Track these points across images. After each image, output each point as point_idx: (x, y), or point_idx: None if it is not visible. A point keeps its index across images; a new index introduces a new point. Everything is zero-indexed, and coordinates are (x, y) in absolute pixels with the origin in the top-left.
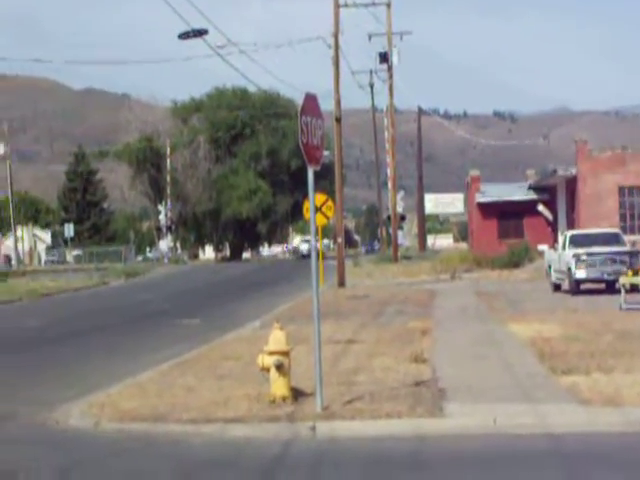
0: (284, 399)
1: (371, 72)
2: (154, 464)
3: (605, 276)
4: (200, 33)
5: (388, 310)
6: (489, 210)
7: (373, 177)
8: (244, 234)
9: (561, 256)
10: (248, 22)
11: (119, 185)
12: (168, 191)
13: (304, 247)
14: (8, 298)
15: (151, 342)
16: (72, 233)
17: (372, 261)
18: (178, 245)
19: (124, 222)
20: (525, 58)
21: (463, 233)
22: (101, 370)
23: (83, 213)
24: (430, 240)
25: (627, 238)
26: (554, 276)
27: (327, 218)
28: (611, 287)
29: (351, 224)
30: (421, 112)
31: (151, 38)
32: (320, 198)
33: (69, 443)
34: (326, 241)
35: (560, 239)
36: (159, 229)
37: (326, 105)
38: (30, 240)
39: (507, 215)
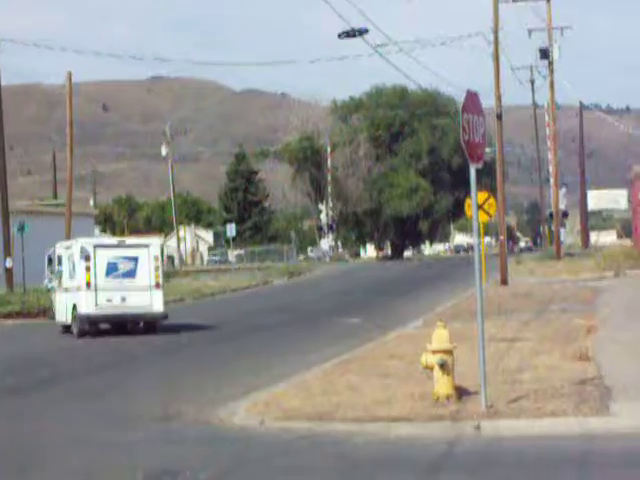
0: (448, 398)
1: (531, 68)
2: (319, 462)
3: None
4: (360, 32)
5: (551, 307)
6: None
7: (535, 174)
8: (405, 233)
9: None
10: (407, 20)
11: (280, 184)
12: (329, 190)
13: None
14: (171, 298)
15: (314, 341)
16: (234, 233)
17: (534, 259)
18: (339, 244)
19: (285, 221)
20: None
21: (627, 229)
22: (264, 369)
23: (244, 213)
24: (593, 237)
25: None
26: None
27: (489, 216)
28: None
29: (513, 221)
30: (582, 107)
31: (310, 38)
32: (482, 196)
33: (235, 441)
34: (487, 239)
35: None
36: (320, 228)
37: (486, 102)
38: (192, 240)
39: None
